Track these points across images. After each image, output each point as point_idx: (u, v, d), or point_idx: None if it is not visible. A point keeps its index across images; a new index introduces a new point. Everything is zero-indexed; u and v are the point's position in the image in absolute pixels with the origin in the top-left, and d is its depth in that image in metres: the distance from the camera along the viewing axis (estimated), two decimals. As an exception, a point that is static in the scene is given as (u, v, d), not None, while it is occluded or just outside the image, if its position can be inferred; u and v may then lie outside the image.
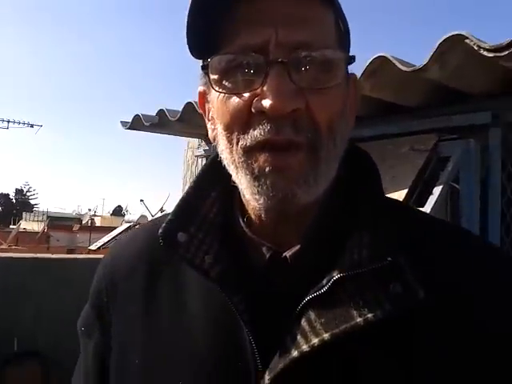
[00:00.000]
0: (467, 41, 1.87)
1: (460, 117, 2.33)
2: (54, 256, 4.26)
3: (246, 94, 0.61)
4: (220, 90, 0.63)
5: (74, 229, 22.56)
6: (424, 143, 2.38)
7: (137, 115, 3.55)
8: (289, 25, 0.60)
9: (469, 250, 0.68)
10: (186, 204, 0.73)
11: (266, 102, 0.59)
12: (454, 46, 1.93)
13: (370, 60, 2.16)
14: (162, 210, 20.30)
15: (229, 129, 0.63)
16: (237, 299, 0.64)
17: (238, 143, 0.63)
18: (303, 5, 0.61)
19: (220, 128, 0.65)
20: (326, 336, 0.59)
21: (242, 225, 0.71)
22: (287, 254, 0.67)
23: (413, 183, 2.28)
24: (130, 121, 3.66)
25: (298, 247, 0.67)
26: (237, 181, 0.66)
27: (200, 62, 0.67)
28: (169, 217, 0.72)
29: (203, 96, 0.72)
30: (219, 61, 0.62)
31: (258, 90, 0.60)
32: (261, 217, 0.68)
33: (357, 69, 2.21)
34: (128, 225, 17.46)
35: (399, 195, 2.23)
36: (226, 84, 0.63)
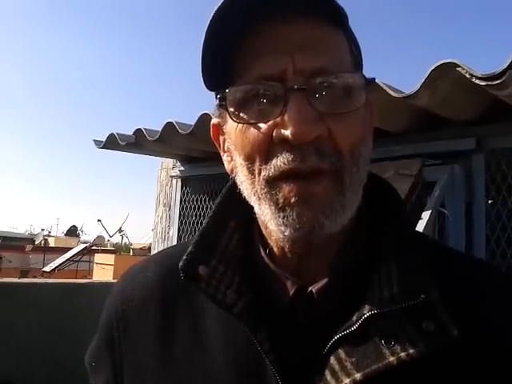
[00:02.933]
0: (459, 69, 1.91)
1: (445, 142, 2.38)
2: (18, 281, 4.09)
3: (266, 124, 0.60)
4: (238, 121, 0.62)
5: (26, 249, 21.85)
6: (409, 168, 2.42)
7: (112, 134, 3.48)
8: (305, 51, 0.59)
9: (497, 284, 0.67)
10: (206, 235, 0.71)
11: (288, 130, 0.57)
12: (445, 73, 1.97)
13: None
14: (120, 230, 19.97)
15: (249, 159, 0.62)
16: (261, 337, 0.62)
17: (259, 174, 0.61)
18: (317, 31, 0.61)
19: (239, 159, 0.64)
20: (357, 376, 0.57)
21: (264, 257, 0.69)
22: (313, 288, 0.65)
23: (399, 207, 2.30)
24: (103, 139, 3.59)
25: (324, 281, 0.65)
26: (259, 212, 0.64)
27: (215, 94, 0.66)
28: (189, 248, 0.69)
29: (218, 128, 0.71)
30: (236, 91, 0.61)
31: (278, 119, 0.59)
32: (284, 249, 0.66)
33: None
34: (84, 245, 17.10)
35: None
36: (245, 115, 0.61)
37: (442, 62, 1.94)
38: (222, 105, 0.63)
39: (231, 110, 0.62)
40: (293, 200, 0.59)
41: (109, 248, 19.92)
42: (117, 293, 0.79)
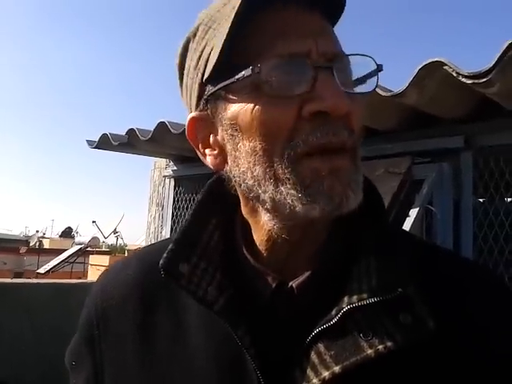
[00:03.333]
0: (446, 67, 1.94)
1: (433, 141, 2.40)
2: (10, 281, 4.09)
3: (294, 99, 0.60)
4: (270, 92, 0.61)
5: (21, 251, 21.78)
6: (398, 166, 2.44)
7: (105, 134, 3.49)
8: (324, 36, 0.63)
9: (475, 281, 0.69)
10: (187, 233, 0.71)
11: (325, 103, 0.59)
12: (432, 72, 2.00)
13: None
14: (115, 231, 19.94)
15: (270, 140, 0.60)
16: (241, 332, 0.63)
17: (283, 154, 0.60)
18: (325, 22, 0.65)
19: (251, 144, 0.62)
20: (336, 369, 0.58)
21: (246, 253, 0.69)
22: (293, 283, 0.66)
23: (388, 205, 2.32)
24: (96, 140, 3.60)
25: (304, 276, 0.66)
26: (277, 196, 0.61)
27: (209, 85, 0.66)
28: (170, 246, 0.69)
29: (200, 122, 0.69)
30: (266, 66, 0.60)
31: (307, 95, 0.60)
32: (276, 241, 0.66)
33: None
34: (79, 247, 17.04)
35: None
36: (272, 89, 0.60)
37: (429, 60, 1.97)
38: (244, 83, 0.62)
39: (262, 81, 0.60)
40: (323, 173, 0.59)
41: (104, 249, 19.88)
42: (97, 291, 0.79)
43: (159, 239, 3.87)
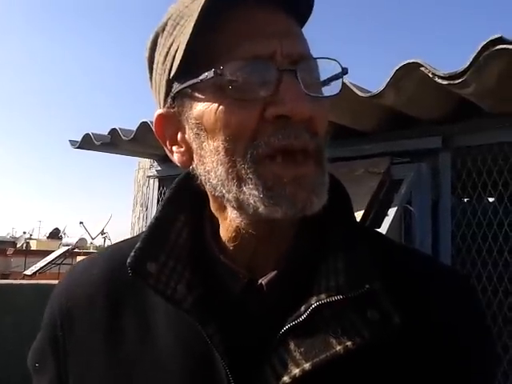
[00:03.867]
0: (422, 68, 1.96)
1: (412, 141, 2.43)
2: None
3: (257, 101, 0.60)
4: (233, 96, 0.61)
5: (8, 253, 21.58)
6: (377, 166, 2.46)
7: (87, 134, 3.47)
8: (290, 37, 0.63)
9: (438, 277, 0.70)
10: (155, 230, 0.70)
11: (287, 107, 0.59)
12: (409, 73, 2.02)
13: (328, 84, 2.22)
14: (102, 232, 19.85)
15: (233, 140, 0.60)
16: (211, 330, 0.62)
17: (245, 154, 0.60)
18: (293, 23, 0.65)
19: (214, 143, 0.62)
20: (306, 366, 0.59)
21: (216, 251, 0.69)
22: (263, 281, 0.66)
23: (368, 205, 2.34)
24: (79, 140, 3.58)
25: (273, 274, 0.66)
26: (240, 196, 0.61)
27: (176, 82, 0.66)
28: (137, 244, 0.68)
29: (167, 118, 0.69)
30: (229, 68, 0.60)
31: (270, 97, 0.60)
32: (243, 237, 0.66)
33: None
34: (66, 248, 16.96)
35: (356, 216, 2.28)
36: (235, 91, 0.60)
37: (406, 61, 1.98)
38: (208, 83, 0.62)
39: (224, 83, 0.61)
40: (285, 180, 0.60)
41: (91, 250, 19.77)
42: (61, 290, 0.77)
43: (143, 240, 3.85)
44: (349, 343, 0.58)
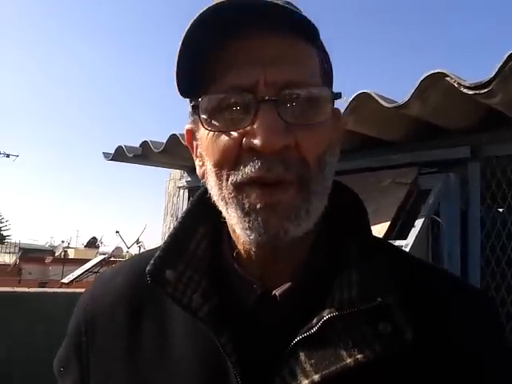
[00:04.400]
0: (448, 78, 1.95)
1: (440, 151, 2.40)
2: (27, 290, 4.17)
3: (236, 132, 0.62)
4: (210, 129, 0.64)
5: (46, 261, 22.08)
6: (405, 176, 2.44)
7: (120, 146, 3.56)
8: (276, 65, 0.62)
9: (459, 295, 0.70)
10: (174, 240, 0.72)
11: (257, 140, 0.60)
12: (434, 83, 2.00)
13: (353, 96, 2.23)
14: (137, 241, 20.09)
15: (218, 165, 0.64)
16: (224, 340, 0.64)
17: (227, 179, 0.63)
18: (289, 45, 0.64)
19: (209, 165, 0.66)
20: (315, 377, 0.59)
21: (231, 262, 0.71)
22: (276, 292, 0.67)
23: (395, 216, 2.33)
24: (112, 152, 3.67)
25: (287, 285, 0.67)
26: (227, 216, 0.66)
27: (189, 102, 0.68)
28: (157, 253, 0.70)
29: (191, 133, 0.73)
30: (209, 100, 0.63)
31: (248, 128, 0.61)
32: (250, 253, 0.68)
33: (341, 104, 2.28)
34: (102, 257, 17.23)
35: (381, 227, 2.27)
36: (216, 122, 0.63)
37: (431, 72, 1.98)
38: (195, 112, 0.65)
39: (203, 117, 0.64)
40: (258, 206, 0.61)
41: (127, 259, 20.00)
42: (86, 299, 0.80)
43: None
44: (359, 356, 0.59)
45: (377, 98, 2.17)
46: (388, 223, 2.30)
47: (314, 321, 0.62)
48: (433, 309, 0.66)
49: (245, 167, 0.61)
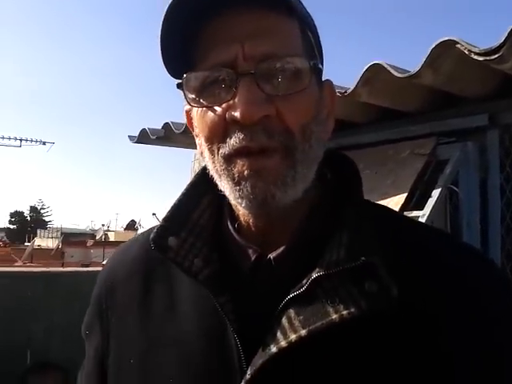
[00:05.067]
0: (458, 46, 1.91)
1: (457, 120, 2.37)
2: (64, 269, 4.32)
3: (220, 107, 0.66)
4: (197, 106, 0.69)
5: (87, 244, 22.68)
6: (423, 147, 2.42)
7: (143, 129, 3.61)
8: (254, 38, 0.65)
9: (446, 255, 0.70)
10: (178, 210, 0.77)
11: (237, 112, 0.63)
12: (445, 51, 1.97)
13: (366, 68, 2.21)
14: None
15: (209, 140, 0.68)
16: (223, 300, 0.69)
17: (218, 153, 0.67)
18: (265, 18, 0.66)
19: (202, 141, 0.70)
20: (302, 332, 0.63)
21: (231, 230, 0.75)
22: (271, 255, 0.71)
23: (412, 186, 2.32)
24: (137, 135, 3.74)
25: (282, 249, 0.71)
26: (221, 188, 0.70)
27: (176, 81, 0.71)
28: (160, 222, 0.76)
29: (189, 113, 0.76)
30: (193, 78, 0.68)
31: (231, 102, 0.65)
32: (249, 222, 0.73)
33: (353, 76, 2.26)
34: (141, 239, 17.56)
35: (399, 199, 2.27)
36: (202, 99, 0.67)
37: (441, 39, 1.95)
38: (183, 91, 0.69)
39: (189, 96, 0.68)
40: (246, 173, 0.65)
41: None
42: (107, 268, 0.89)
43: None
44: (344, 312, 0.62)
45: (389, 68, 2.15)
46: (405, 194, 2.29)
47: (304, 281, 0.65)
48: (422, 268, 0.67)
49: (230, 139, 0.65)
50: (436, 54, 1.99)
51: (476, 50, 1.87)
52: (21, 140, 31.07)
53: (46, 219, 78.87)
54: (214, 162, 0.69)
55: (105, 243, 22.42)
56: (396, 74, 2.13)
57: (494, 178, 2.28)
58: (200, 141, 0.72)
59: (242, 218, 0.74)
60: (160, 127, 3.51)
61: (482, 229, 2.26)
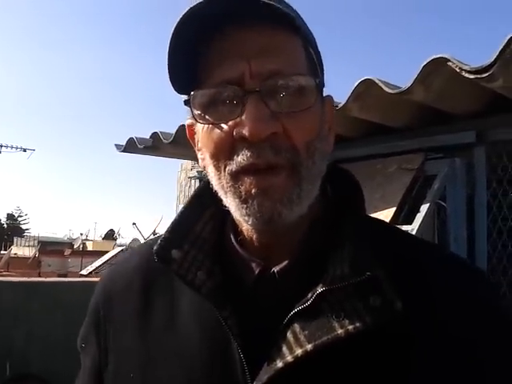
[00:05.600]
0: (450, 63, 1.95)
1: (445, 136, 2.40)
2: (45, 280, 4.27)
3: (227, 124, 0.66)
4: (203, 122, 0.69)
5: (65, 253, 22.40)
6: (411, 162, 2.45)
7: (131, 138, 3.60)
8: (260, 56, 0.66)
9: (443, 268, 0.72)
10: (181, 222, 0.77)
11: (245, 129, 0.64)
12: (437, 68, 2.01)
13: (357, 83, 2.24)
14: (154, 233, 20.26)
15: (215, 157, 0.68)
16: (226, 313, 0.68)
17: (224, 169, 0.67)
18: (271, 36, 0.67)
19: (207, 156, 0.70)
20: (309, 347, 0.63)
21: (234, 243, 0.75)
22: (275, 269, 0.71)
23: (401, 201, 2.35)
24: (124, 143, 3.72)
25: (285, 263, 0.71)
26: (227, 204, 0.70)
27: (183, 97, 0.71)
28: (163, 234, 0.76)
29: (191, 128, 0.76)
30: (200, 95, 0.68)
31: (238, 119, 0.65)
32: (252, 237, 0.73)
33: (345, 91, 2.29)
34: (120, 249, 17.41)
35: (388, 213, 2.29)
36: (208, 116, 0.68)
37: (433, 57, 1.98)
38: (189, 107, 0.69)
39: (196, 112, 0.68)
40: (253, 191, 0.65)
41: (144, 251, 20.16)
42: (104, 279, 0.88)
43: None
44: (350, 327, 0.62)
45: (380, 84, 2.18)
46: (394, 209, 2.31)
47: (309, 295, 0.65)
48: (423, 283, 0.68)
49: (237, 156, 0.66)
50: (427, 70, 2.02)
51: (467, 68, 1.91)
52: (1, 146, 30.68)
53: (24, 227, 77.72)
54: (219, 179, 0.69)
55: (83, 253, 22.15)
56: (387, 89, 2.16)
57: (480, 194, 2.32)
58: (203, 156, 0.73)
59: (245, 233, 0.74)
60: (148, 137, 3.51)
61: (468, 244, 2.29)
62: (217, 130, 0.67)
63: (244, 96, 0.65)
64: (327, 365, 0.64)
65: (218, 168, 0.69)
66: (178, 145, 3.31)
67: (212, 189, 0.74)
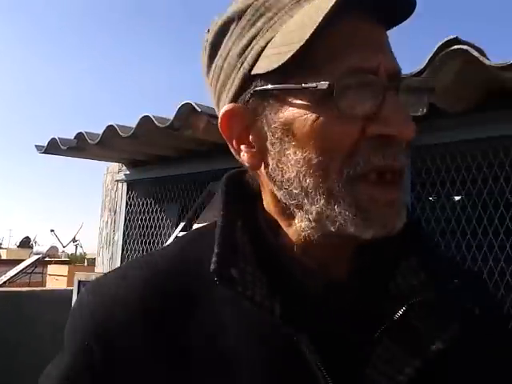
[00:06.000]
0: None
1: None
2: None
3: (359, 118, 0.58)
4: (322, 113, 0.58)
5: (-23, 263, 21.09)
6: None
7: (53, 138, 3.43)
8: (387, 52, 0.61)
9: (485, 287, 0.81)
10: (225, 236, 0.66)
11: (396, 127, 0.57)
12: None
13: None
14: (74, 240, 19.55)
15: (328, 154, 0.58)
16: (304, 337, 0.59)
17: (340, 171, 0.58)
18: (387, 36, 0.63)
19: (302, 154, 0.59)
20: (416, 362, 0.60)
21: (285, 253, 0.67)
22: (342, 279, 0.65)
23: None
24: (45, 144, 3.55)
25: (351, 271, 0.66)
26: (327, 212, 0.59)
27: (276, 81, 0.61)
28: (216, 250, 0.63)
29: (236, 115, 0.65)
30: (325, 80, 0.57)
31: (372, 114, 0.58)
32: (312, 243, 0.64)
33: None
34: (37, 257, 16.63)
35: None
36: (333, 106, 0.57)
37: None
38: (300, 91, 0.59)
39: (312, 100, 0.59)
40: (380, 203, 0.59)
41: (63, 259, 19.46)
42: (91, 311, 0.65)
43: (111, 245, 3.84)
44: (445, 336, 0.61)
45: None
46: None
47: (390, 307, 0.63)
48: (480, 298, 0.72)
49: (370, 156, 0.58)
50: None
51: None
52: None
53: None
54: (325, 181, 0.59)
55: (-4, 262, 20.99)
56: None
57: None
58: (288, 153, 0.61)
59: (295, 241, 0.65)
60: (72, 137, 3.37)
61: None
62: (339, 123, 0.57)
63: (384, 90, 0.57)
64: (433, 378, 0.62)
65: (326, 168, 0.58)
66: (105, 146, 3.21)
67: (234, 194, 0.69)
